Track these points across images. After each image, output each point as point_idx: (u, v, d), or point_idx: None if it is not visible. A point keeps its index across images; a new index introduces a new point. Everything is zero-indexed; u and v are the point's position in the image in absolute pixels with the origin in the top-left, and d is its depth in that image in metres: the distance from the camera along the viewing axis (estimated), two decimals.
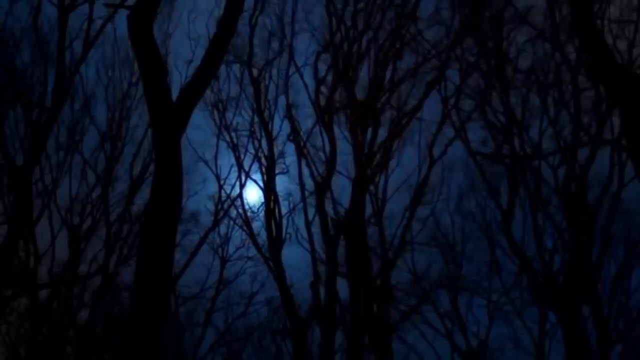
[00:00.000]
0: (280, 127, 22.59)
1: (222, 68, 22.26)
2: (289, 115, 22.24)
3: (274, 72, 22.72)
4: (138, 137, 23.63)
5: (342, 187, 21.70)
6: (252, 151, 22.91)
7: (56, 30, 21.24)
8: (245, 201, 23.28)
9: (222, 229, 25.00)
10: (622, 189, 19.86)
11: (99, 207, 23.60)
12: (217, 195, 24.20)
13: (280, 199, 22.41)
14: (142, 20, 11.48)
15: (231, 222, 24.68)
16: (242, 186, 23.15)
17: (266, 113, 22.64)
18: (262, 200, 22.43)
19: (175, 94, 11.94)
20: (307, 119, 22.49)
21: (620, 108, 12.43)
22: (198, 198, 23.99)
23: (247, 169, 23.02)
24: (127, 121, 24.08)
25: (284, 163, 22.53)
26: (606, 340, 19.30)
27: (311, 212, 21.61)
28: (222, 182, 23.81)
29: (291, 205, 22.55)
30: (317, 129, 22.07)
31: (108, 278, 22.84)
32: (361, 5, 22.08)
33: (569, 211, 20.14)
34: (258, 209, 22.88)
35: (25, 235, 21.67)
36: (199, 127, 21.54)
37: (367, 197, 21.80)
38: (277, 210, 22.09)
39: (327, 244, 20.85)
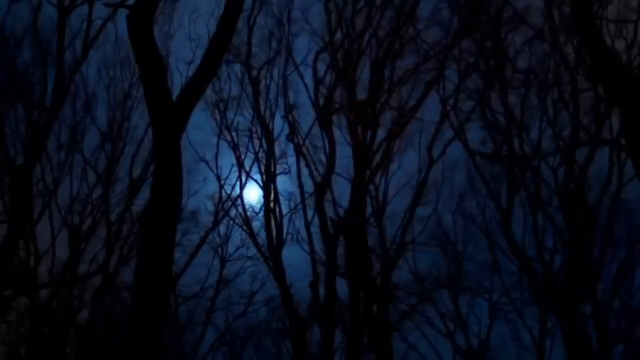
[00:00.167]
0: (282, 127, 22.71)
1: (224, 68, 22.39)
2: (287, 115, 22.28)
3: (275, 72, 22.84)
4: (139, 137, 23.69)
5: (342, 189, 21.79)
6: (254, 151, 23.00)
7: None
8: (245, 201, 23.38)
9: (222, 229, 25.05)
10: (622, 189, 19.88)
11: (100, 208, 23.62)
12: (217, 195, 24.27)
13: (282, 199, 22.52)
14: (142, 20, 11.48)
15: (231, 222, 24.74)
16: (242, 186, 23.20)
17: (267, 113, 22.72)
18: (263, 200, 22.48)
19: (176, 95, 11.95)
20: (307, 119, 22.59)
21: (620, 108, 12.42)
22: (198, 198, 24.06)
23: (248, 169, 23.09)
24: (128, 121, 24.15)
25: (287, 163, 22.59)
26: (607, 340, 19.30)
27: (312, 212, 21.75)
28: (222, 182, 23.87)
29: (292, 206, 22.62)
30: (317, 129, 22.18)
31: (108, 278, 22.85)
32: (360, 5, 22.13)
33: (568, 211, 20.15)
34: (259, 209, 22.91)
35: (25, 235, 21.69)
36: (201, 128, 21.61)
37: (368, 198, 21.89)
38: (278, 211, 22.14)
39: (327, 244, 20.87)
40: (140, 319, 10.29)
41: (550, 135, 20.95)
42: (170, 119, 11.32)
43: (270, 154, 22.40)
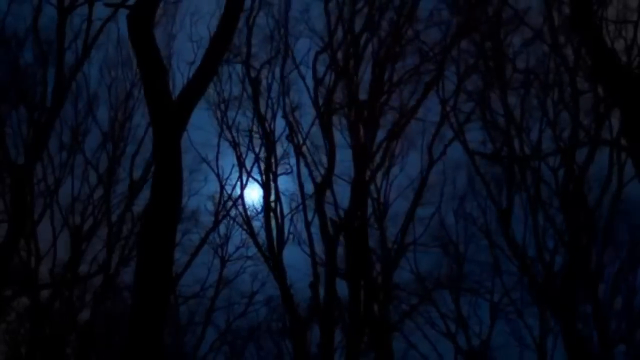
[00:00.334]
0: (283, 127, 22.73)
1: (225, 67, 22.42)
2: (287, 115, 22.31)
3: (276, 71, 22.86)
4: (140, 137, 23.71)
5: (343, 191, 21.82)
6: (255, 150, 23.02)
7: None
8: (246, 201, 23.39)
9: (222, 228, 25.07)
10: (622, 189, 19.88)
11: (101, 208, 23.64)
12: (217, 195, 24.28)
13: (283, 199, 22.54)
14: (142, 20, 11.49)
15: (231, 222, 24.75)
16: (243, 186, 23.21)
17: (269, 113, 22.75)
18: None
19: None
20: (309, 119, 22.62)
21: (620, 108, 12.43)
22: (198, 197, 24.10)
23: (248, 168, 23.10)
24: (129, 121, 24.17)
25: (289, 164, 22.61)
26: (607, 340, 19.29)
27: (312, 213, 21.76)
28: (223, 182, 23.88)
29: (293, 206, 22.64)
30: (317, 129, 22.19)
31: (109, 278, 22.86)
32: (360, 5, 22.16)
33: (568, 211, 20.15)
34: (260, 209, 22.91)
35: (26, 235, 21.72)
36: (202, 128, 21.65)
37: (369, 199, 21.92)
38: (279, 210, 22.15)
39: (327, 244, 20.89)
40: (140, 319, 10.29)
41: (550, 137, 20.99)
42: (170, 119, 11.32)
43: (269, 154, 22.41)
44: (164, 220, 10.83)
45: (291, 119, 22.48)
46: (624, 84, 11.26)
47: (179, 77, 21.77)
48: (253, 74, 22.60)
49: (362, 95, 22.18)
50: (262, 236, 22.29)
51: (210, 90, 22.12)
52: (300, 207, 22.00)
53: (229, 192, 24.00)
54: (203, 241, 24.04)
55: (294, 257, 21.87)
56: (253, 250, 23.62)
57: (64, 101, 21.65)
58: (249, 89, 22.78)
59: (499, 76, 21.17)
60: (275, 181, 22.40)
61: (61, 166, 23.17)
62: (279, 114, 22.63)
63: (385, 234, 22.16)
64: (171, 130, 11.30)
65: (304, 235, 21.77)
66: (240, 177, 23.14)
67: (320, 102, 22.04)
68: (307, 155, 22.15)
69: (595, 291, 19.77)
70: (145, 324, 10.21)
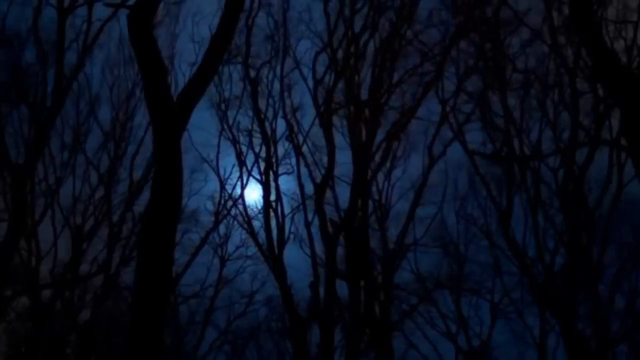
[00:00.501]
0: (285, 127, 22.75)
1: (226, 67, 22.45)
2: (286, 115, 22.34)
3: (277, 71, 22.88)
4: (141, 137, 23.74)
5: (345, 193, 21.83)
6: (255, 150, 23.05)
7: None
8: (246, 200, 23.40)
9: (222, 228, 25.06)
10: (622, 189, 19.89)
11: (102, 208, 23.64)
12: (217, 195, 24.29)
13: (284, 199, 22.55)
14: (142, 20, 11.48)
15: (231, 221, 24.76)
16: (243, 184, 23.22)
17: (270, 112, 22.78)
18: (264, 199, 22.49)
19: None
20: (309, 119, 22.65)
21: (620, 108, 12.42)
22: (198, 197, 24.13)
23: (249, 168, 23.11)
24: (131, 121, 24.18)
25: (290, 163, 22.62)
26: (607, 340, 19.29)
27: (312, 213, 21.77)
28: (223, 181, 23.89)
29: (293, 206, 22.65)
30: (317, 130, 22.21)
31: (110, 278, 22.87)
32: (359, 5, 22.19)
33: (568, 211, 20.15)
34: (260, 208, 22.90)
35: (27, 235, 21.73)
36: (202, 128, 21.69)
37: (370, 201, 21.96)
38: (280, 210, 22.17)
39: (326, 244, 20.90)
40: (141, 319, 10.28)
41: (550, 137, 21.01)
42: (170, 119, 11.31)
43: (268, 153, 22.43)
44: (164, 221, 10.80)
45: (292, 119, 22.56)
46: (624, 84, 11.25)
47: (182, 77, 21.90)
48: (252, 74, 22.64)
49: (362, 96, 22.24)
50: (262, 236, 22.35)
51: (211, 90, 22.22)
52: (301, 207, 22.04)
53: (230, 191, 24.05)
54: (203, 241, 24.05)
55: (294, 257, 21.94)
56: (252, 249, 23.69)
57: (64, 101, 21.68)
58: (250, 88, 22.82)
59: (498, 77, 21.18)
60: (276, 181, 22.45)
61: (62, 166, 23.21)
62: (280, 113, 22.71)
63: (386, 234, 22.20)
64: (171, 130, 11.28)
65: (305, 235, 21.84)
66: (240, 175, 23.19)
67: (320, 102, 22.08)
68: (307, 155, 22.23)
69: (596, 291, 19.77)
70: (145, 324, 10.19)
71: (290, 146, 22.51)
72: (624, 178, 19.86)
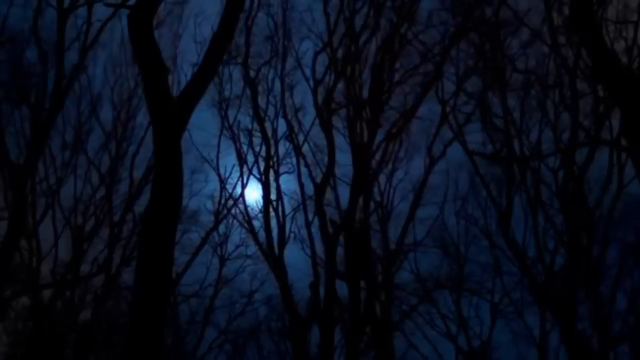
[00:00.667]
0: (287, 127, 22.74)
1: (226, 67, 22.44)
2: (286, 115, 22.35)
3: (277, 70, 22.90)
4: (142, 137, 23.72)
5: (345, 192, 21.84)
6: (256, 149, 23.06)
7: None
8: (247, 200, 23.42)
9: (221, 227, 25.03)
10: (622, 189, 19.89)
11: (103, 208, 23.64)
12: (217, 194, 24.29)
13: (285, 198, 22.57)
14: (142, 20, 11.50)
15: (231, 221, 24.76)
16: (243, 183, 23.23)
17: (272, 112, 22.79)
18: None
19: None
20: (310, 119, 22.67)
21: (620, 108, 12.42)
22: (199, 196, 24.14)
23: (250, 167, 23.12)
24: (133, 120, 24.20)
25: (291, 163, 22.65)
26: (607, 341, 19.30)
27: (313, 213, 21.78)
28: (224, 180, 23.90)
29: (293, 205, 22.66)
30: (318, 129, 22.22)
31: (110, 278, 22.88)
32: (359, 4, 22.21)
33: (568, 211, 20.16)
34: (261, 207, 22.91)
35: (27, 235, 21.74)
36: (203, 128, 21.71)
37: (372, 202, 21.97)
38: (280, 209, 22.19)
39: (326, 244, 20.91)
40: (141, 319, 10.29)
41: (551, 138, 21.02)
42: (170, 119, 11.32)
43: (268, 153, 22.44)
44: (164, 221, 10.82)
45: (293, 119, 22.59)
46: (624, 85, 11.25)
47: (184, 77, 21.93)
48: (251, 75, 22.65)
49: (362, 96, 22.25)
50: (262, 236, 22.36)
51: (213, 90, 22.26)
52: (301, 207, 22.05)
53: (230, 191, 24.06)
54: (204, 241, 24.03)
55: (294, 257, 21.95)
56: (252, 249, 23.70)
57: (64, 101, 21.70)
58: (249, 90, 22.83)
59: (498, 77, 21.19)
60: (277, 180, 22.47)
61: (63, 166, 23.21)
62: (281, 113, 22.71)
63: (387, 235, 22.21)
64: (171, 130, 11.29)
65: (305, 234, 21.85)
66: (241, 174, 23.20)
67: (320, 102, 22.10)
68: (308, 155, 22.25)
69: (596, 291, 19.77)
70: (145, 324, 10.20)
71: (291, 146, 22.56)
72: (624, 178, 19.86)
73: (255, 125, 22.76)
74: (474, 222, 22.94)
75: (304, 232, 21.87)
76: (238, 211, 23.80)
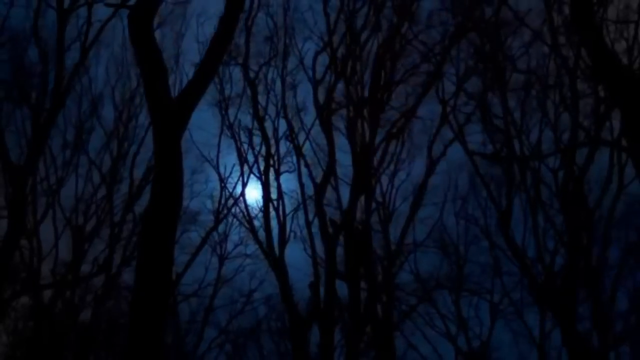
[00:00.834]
0: (287, 126, 22.74)
1: (226, 67, 22.47)
2: (286, 115, 22.38)
3: (279, 70, 22.91)
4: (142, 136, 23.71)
5: (346, 193, 21.83)
6: (256, 149, 23.08)
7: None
8: (247, 199, 23.43)
9: (221, 227, 25.01)
10: (622, 189, 19.90)
11: (104, 208, 23.65)
12: (218, 194, 24.29)
13: (285, 198, 22.58)
14: (142, 19, 11.52)
15: (231, 220, 24.76)
16: (244, 182, 23.24)
17: (272, 110, 22.80)
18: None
19: None
20: (311, 119, 22.69)
21: (621, 109, 12.42)
22: (199, 197, 24.12)
23: (250, 166, 23.11)
24: (135, 120, 24.20)
25: (292, 162, 22.65)
26: (607, 341, 19.30)
27: (313, 212, 21.80)
28: (224, 180, 23.91)
29: (293, 204, 22.67)
30: (318, 129, 22.23)
31: (110, 278, 22.88)
32: (359, 4, 22.23)
33: (568, 211, 20.17)
34: (261, 207, 22.90)
35: (28, 235, 21.74)
36: (203, 128, 21.71)
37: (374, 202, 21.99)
38: (281, 209, 22.20)
39: (326, 244, 20.92)
40: (141, 319, 10.30)
41: (551, 138, 21.03)
42: (170, 119, 11.33)
43: (268, 153, 22.44)
44: (164, 221, 10.83)
45: (294, 118, 22.62)
46: (625, 85, 11.25)
47: (186, 77, 21.89)
48: (251, 75, 22.68)
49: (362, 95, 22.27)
50: (262, 235, 22.35)
51: (214, 89, 22.28)
52: (301, 206, 22.07)
53: (230, 190, 24.06)
54: (204, 240, 24.03)
55: (294, 256, 21.96)
56: (252, 248, 23.69)
57: (64, 102, 21.71)
58: (249, 90, 22.85)
59: (499, 77, 21.20)
60: (277, 179, 22.49)
61: (64, 165, 23.22)
62: (281, 113, 22.73)
63: (388, 236, 22.21)
64: (171, 130, 11.30)
65: (305, 234, 21.86)
66: (241, 173, 23.22)
67: (321, 102, 22.12)
68: (309, 154, 22.27)
69: (597, 291, 19.78)
70: (145, 324, 10.21)
71: (291, 145, 22.58)
72: (625, 179, 19.86)
73: (256, 125, 22.79)
74: (474, 222, 22.97)
75: (304, 231, 21.93)
76: (238, 210, 23.84)
